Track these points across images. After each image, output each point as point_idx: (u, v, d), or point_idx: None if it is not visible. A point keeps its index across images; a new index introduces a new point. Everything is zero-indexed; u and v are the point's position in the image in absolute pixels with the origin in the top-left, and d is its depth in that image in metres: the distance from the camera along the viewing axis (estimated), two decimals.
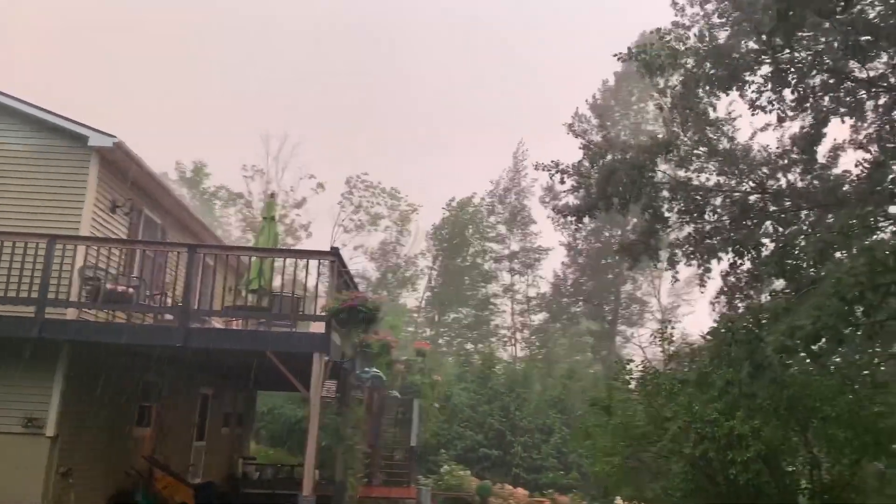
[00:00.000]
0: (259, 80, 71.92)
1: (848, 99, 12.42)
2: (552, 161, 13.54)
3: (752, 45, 11.95)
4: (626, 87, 41.56)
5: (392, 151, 71.32)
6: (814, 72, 11.99)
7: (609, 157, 12.95)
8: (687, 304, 45.86)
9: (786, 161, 12.93)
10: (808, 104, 12.44)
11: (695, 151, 12.98)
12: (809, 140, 12.54)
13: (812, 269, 10.75)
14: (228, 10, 71.30)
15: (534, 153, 48.21)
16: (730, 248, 12.74)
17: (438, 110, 75.90)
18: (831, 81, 12.20)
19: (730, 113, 13.40)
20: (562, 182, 13.81)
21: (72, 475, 10.93)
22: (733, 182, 13.16)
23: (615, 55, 12.82)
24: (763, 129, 13.30)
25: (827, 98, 12.56)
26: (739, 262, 12.73)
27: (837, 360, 9.21)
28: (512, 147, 57.44)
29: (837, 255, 9.83)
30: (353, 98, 73.67)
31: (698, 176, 13.39)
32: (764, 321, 7.72)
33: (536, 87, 75.01)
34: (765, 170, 12.97)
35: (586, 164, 13.33)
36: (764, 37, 10.97)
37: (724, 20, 12.65)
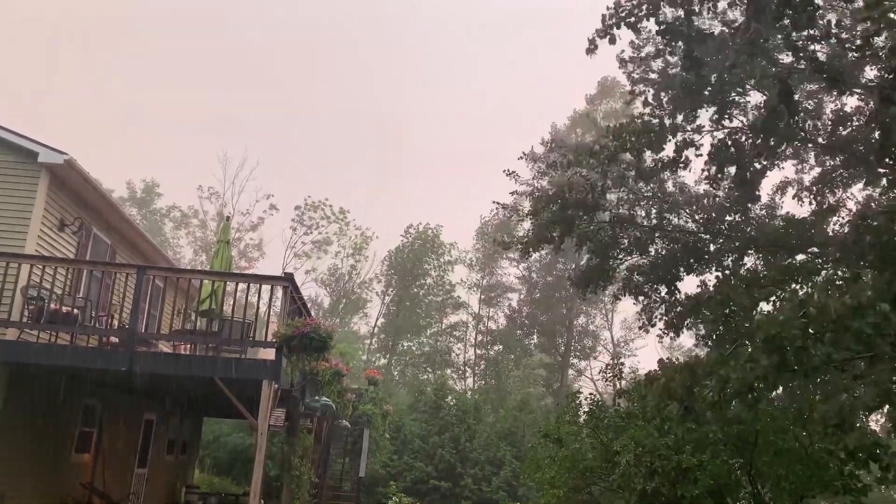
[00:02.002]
0: (219, 100, 71.63)
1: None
2: (500, 203, 13.89)
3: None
4: (581, 126, 42.43)
5: (353, 178, 71.44)
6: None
7: (544, 202, 13.32)
8: (640, 338, 46.55)
9: (714, 200, 13.41)
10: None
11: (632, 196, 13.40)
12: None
13: (747, 319, 11.06)
14: (189, 22, 71.04)
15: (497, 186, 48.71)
16: (670, 288, 13.08)
17: (406, 141, 76.50)
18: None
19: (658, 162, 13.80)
20: (510, 220, 14.13)
21: (4, 501, 10.49)
22: (677, 220, 13.57)
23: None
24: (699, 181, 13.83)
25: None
26: (674, 300, 13.10)
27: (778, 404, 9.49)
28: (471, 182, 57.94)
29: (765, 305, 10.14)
30: (316, 122, 73.77)
31: (635, 214, 13.78)
32: (700, 373, 7.90)
33: (505, 113, 76.23)
34: (708, 208, 13.40)
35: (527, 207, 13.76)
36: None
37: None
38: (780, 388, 6.78)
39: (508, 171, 14.21)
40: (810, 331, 5.26)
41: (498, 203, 14.16)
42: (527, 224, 14.31)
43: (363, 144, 75.23)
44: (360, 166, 73.74)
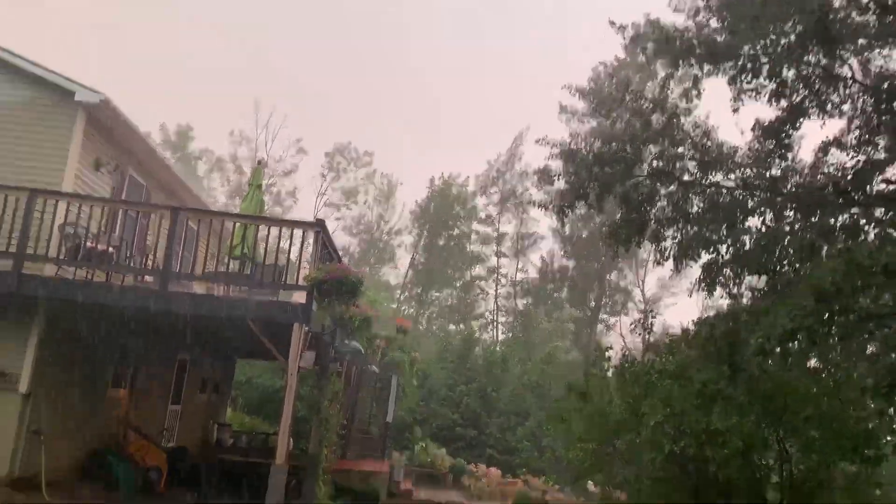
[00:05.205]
0: (253, 45, 71.25)
1: (825, 95, 12.41)
2: (544, 140, 13.56)
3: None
4: (624, 74, 41.40)
5: (385, 128, 71.05)
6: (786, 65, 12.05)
7: (584, 153, 12.99)
8: (671, 296, 46.20)
9: (761, 150, 12.95)
10: (784, 92, 12.48)
11: (675, 150, 12.99)
12: (780, 128, 12.57)
13: (792, 269, 10.79)
14: None
15: (535, 134, 47.92)
16: (711, 246, 12.77)
17: (438, 91, 75.66)
18: (805, 75, 12.22)
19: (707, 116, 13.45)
20: (545, 179, 13.82)
21: (43, 433, 10.84)
22: (718, 177, 13.18)
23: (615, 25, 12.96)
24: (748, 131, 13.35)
25: (804, 91, 12.55)
26: (719, 257, 12.78)
27: (814, 363, 9.30)
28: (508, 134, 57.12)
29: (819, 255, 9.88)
30: (350, 72, 73.16)
31: (678, 169, 13.42)
32: (744, 321, 7.74)
33: (537, 69, 74.83)
34: (749, 164, 12.98)
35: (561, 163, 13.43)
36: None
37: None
38: (818, 345, 6.61)
39: (541, 139, 13.82)
40: (857, 283, 5.11)
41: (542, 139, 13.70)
42: (560, 184, 14.04)
43: (394, 95, 74.63)
44: (390, 117, 73.37)
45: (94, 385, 12.71)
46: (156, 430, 14.96)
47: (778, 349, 6.35)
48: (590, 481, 11.56)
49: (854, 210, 11.25)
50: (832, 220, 11.19)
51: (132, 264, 11.93)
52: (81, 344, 11.81)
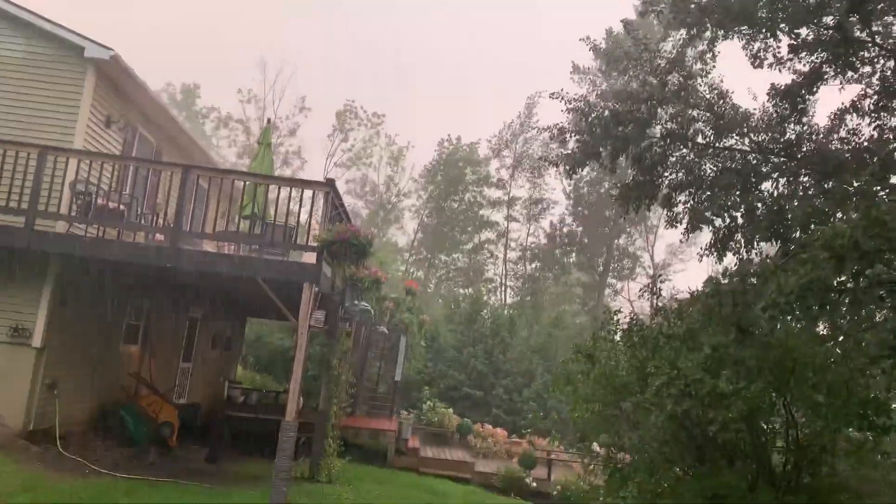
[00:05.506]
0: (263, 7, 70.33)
1: (843, 57, 12.17)
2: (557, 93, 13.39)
3: None
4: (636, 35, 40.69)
5: (394, 89, 70.38)
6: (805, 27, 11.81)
7: (599, 109, 12.83)
8: (679, 262, 46.14)
9: (777, 115, 12.76)
10: (802, 53, 12.25)
11: (690, 112, 12.81)
12: (797, 92, 12.38)
13: (804, 235, 10.71)
14: None
15: (545, 102, 47.23)
16: (724, 212, 12.67)
17: (446, 54, 74.71)
18: (823, 38, 11.97)
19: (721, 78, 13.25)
20: (559, 136, 13.65)
21: (57, 387, 11.03)
22: (731, 141, 13.02)
23: None
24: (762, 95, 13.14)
25: (823, 53, 12.32)
26: (732, 223, 12.68)
27: (822, 330, 9.27)
28: (520, 97, 56.24)
29: (832, 220, 9.78)
30: (358, 30, 72.29)
31: (692, 132, 13.25)
32: (753, 281, 7.71)
33: (550, 32, 73.72)
34: (763, 129, 12.81)
35: (572, 124, 13.28)
36: None
37: None
38: (829, 309, 6.56)
39: (556, 93, 13.59)
40: (871, 243, 5.04)
41: (541, 127, 13.63)
42: (571, 144, 13.87)
43: (402, 57, 73.77)
44: (395, 78, 72.63)
45: (107, 341, 12.87)
46: (167, 387, 15.17)
47: (790, 305, 6.25)
48: (595, 443, 11.63)
49: (869, 176, 11.11)
50: (846, 186, 11.07)
51: (143, 222, 11.99)
52: (94, 300, 11.93)
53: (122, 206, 11.08)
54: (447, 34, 77.24)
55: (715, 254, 13.11)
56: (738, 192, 12.24)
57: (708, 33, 12.45)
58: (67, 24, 11.53)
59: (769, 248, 12.80)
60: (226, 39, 68.19)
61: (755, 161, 12.51)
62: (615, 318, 10.92)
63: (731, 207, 12.58)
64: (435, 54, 76.89)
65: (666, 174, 13.22)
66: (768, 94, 12.85)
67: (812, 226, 9.61)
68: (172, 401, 14.56)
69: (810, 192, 12.10)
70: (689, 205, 12.93)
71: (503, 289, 48.44)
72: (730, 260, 13.12)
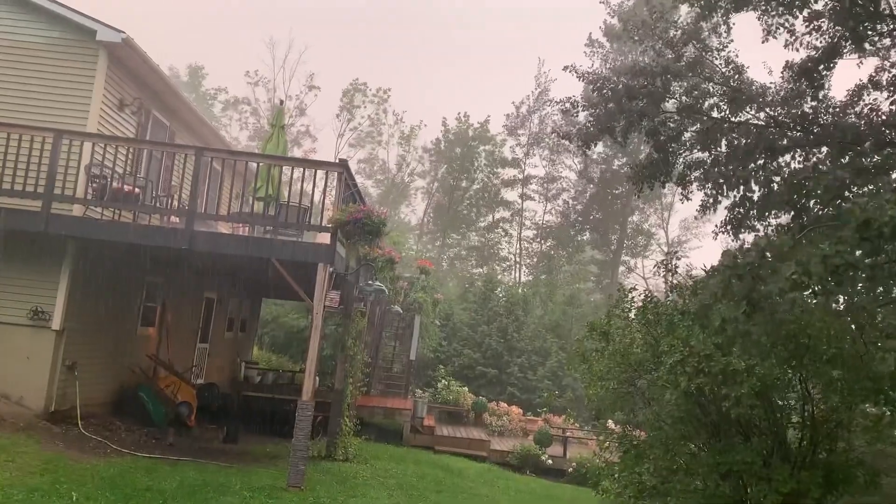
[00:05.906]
0: None
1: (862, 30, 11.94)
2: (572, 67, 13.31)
3: None
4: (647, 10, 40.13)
5: (404, 66, 70.01)
6: None
7: (614, 82, 12.70)
8: (695, 239, 45.89)
9: (793, 90, 12.59)
10: (818, 26, 12.04)
11: (706, 86, 12.65)
12: (814, 67, 12.18)
13: (822, 209, 10.60)
14: None
15: (556, 75, 46.58)
16: (740, 184, 12.55)
17: (456, 30, 74.05)
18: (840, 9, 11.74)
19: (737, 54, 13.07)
20: (572, 110, 13.54)
21: (77, 368, 11.18)
22: (747, 116, 12.87)
23: None
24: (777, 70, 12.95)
25: (839, 28, 12.10)
26: (748, 195, 12.56)
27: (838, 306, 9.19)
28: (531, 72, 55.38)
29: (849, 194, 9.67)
30: (363, 9, 71.80)
31: (706, 105, 13.10)
32: (769, 257, 7.63)
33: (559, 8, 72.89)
34: (779, 103, 12.64)
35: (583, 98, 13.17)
36: None
37: None
38: (850, 287, 6.47)
39: (570, 65, 13.47)
40: None
41: (553, 99, 13.56)
42: (581, 117, 13.77)
43: (410, 34, 73.26)
44: (405, 55, 72.21)
45: (125, 323, 13.01)
46: (185, 368, 15.34)
47: (817, 287, 6.10)
48: (610, 420, 11.68)
49: (888, 150, 10.96)
50: (864, 160, 10.93)
51: (158, 204, 12.06)
52: (111, 283, 12.05)
53: (136, 189, 11.14)
54: (458, 8, 76.48)
55: (731, 230, 13.02)
56: (754, 166, 12.12)
57: (722, 2, 12.27)
58: (78, 8, 11.54)
59: (783, 222, 12.70)
60: (230, 21, 67.94)
61: (771, 136, 12.36)
62: (630, 295, 10.91)
63: (747, 181, 12.45)
64: (445, 31, 76.23)
65: (681, 151, 13.10)
66: (784, 69, 12.67)
67: (835, 201, 9.47)
68: (190, 381, 14.73)
69: (828, 166, 11.96)
70: (704, 180, 12.82)
71: (518, 267, 48.35)
72: (745, 238, 13.03)
